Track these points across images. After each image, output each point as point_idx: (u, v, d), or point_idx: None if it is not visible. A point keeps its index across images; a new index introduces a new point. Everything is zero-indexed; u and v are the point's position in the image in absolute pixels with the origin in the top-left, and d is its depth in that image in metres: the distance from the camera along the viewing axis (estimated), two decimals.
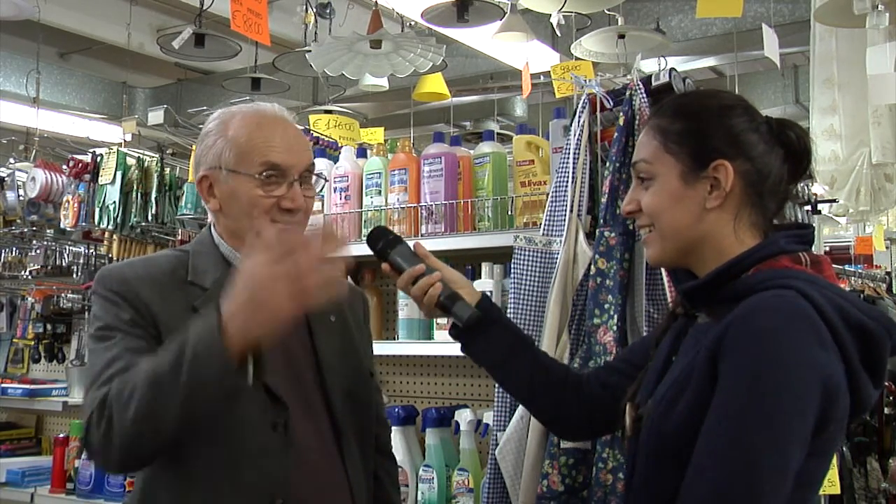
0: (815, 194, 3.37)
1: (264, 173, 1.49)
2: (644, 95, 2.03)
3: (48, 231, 4.11)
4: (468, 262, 2.52)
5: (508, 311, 2.11)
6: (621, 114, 2.05)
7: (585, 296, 2.03)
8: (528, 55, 4.62)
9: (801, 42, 4.15)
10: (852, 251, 7.59)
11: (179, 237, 3.54)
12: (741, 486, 1.10)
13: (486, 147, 2.58)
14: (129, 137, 3.87)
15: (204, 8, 4.08)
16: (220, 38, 4.18)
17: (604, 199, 2.05)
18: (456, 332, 1.58)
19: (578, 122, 2.14)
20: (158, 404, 1.27)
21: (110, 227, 3.59)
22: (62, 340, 4.08)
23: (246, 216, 1.50)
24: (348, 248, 1.35)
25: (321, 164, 2.74)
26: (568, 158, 2.12)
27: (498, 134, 3.75)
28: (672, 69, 2.06)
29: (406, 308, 2.62)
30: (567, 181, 2.11)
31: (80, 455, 3.27)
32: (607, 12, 4.23)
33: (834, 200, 3.55)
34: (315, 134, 3.39)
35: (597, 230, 2.04)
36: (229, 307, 1.27)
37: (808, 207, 2.81)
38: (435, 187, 2.55)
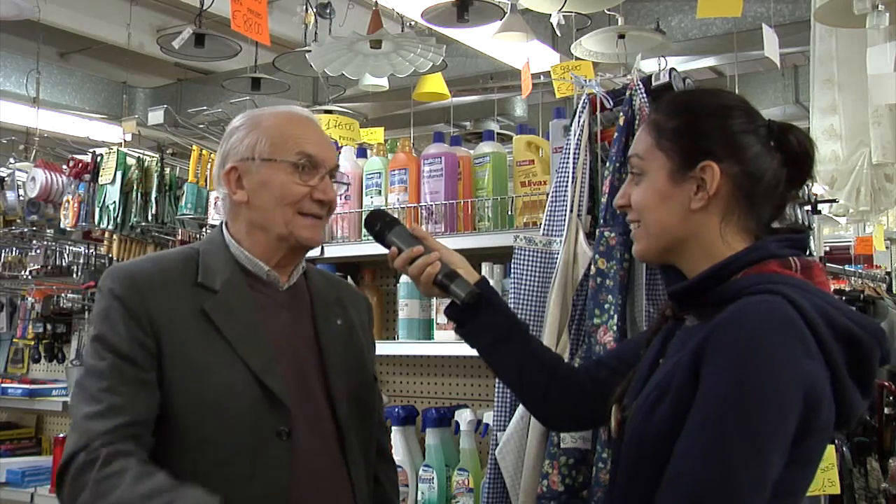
0: (815, 194, 3.37)
1: (301, 161, 1.52)
2: (644, 95, 2.02)
3: (48, 231, 4.11)
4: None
5: None
6: (621, 114, 2.05)
7: (585, 296, 2.02)
8: (528, 55, 4.61)
9: (801, 42, 4.15)
10: (852, 251, 7.60)
11: (179, 237, 3.54)
12: (717, 494, 1.08)
13: (486, 147, 2.58)
14: (129, 137, 3.87)
15: (204, 8, 4.06)
16: (220, 38, 4.17)
17: (604, 199, 2.04)
18: (452, 312, 1.58)
19: (578, 122, 2.13)
20: None
21: (110, 227, 3.60)
22: (62, 340, 4.08)
23: (277, 205, 1.52)
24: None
25: None
26: (568, 158, 2.12)
27: (498, 134, 3.76)
28: (672, 69, 2.05)
29: (406, 308, 2.62)
30: (567, 181, 2.11)
31: None
32: (607, 12, 4.21)
33: (834, 200, 3.55)
34: None
35: (597, 230, 2.03)
36: None
37: (809, 207, 2.81)
38: (435, 187, 2.55)
